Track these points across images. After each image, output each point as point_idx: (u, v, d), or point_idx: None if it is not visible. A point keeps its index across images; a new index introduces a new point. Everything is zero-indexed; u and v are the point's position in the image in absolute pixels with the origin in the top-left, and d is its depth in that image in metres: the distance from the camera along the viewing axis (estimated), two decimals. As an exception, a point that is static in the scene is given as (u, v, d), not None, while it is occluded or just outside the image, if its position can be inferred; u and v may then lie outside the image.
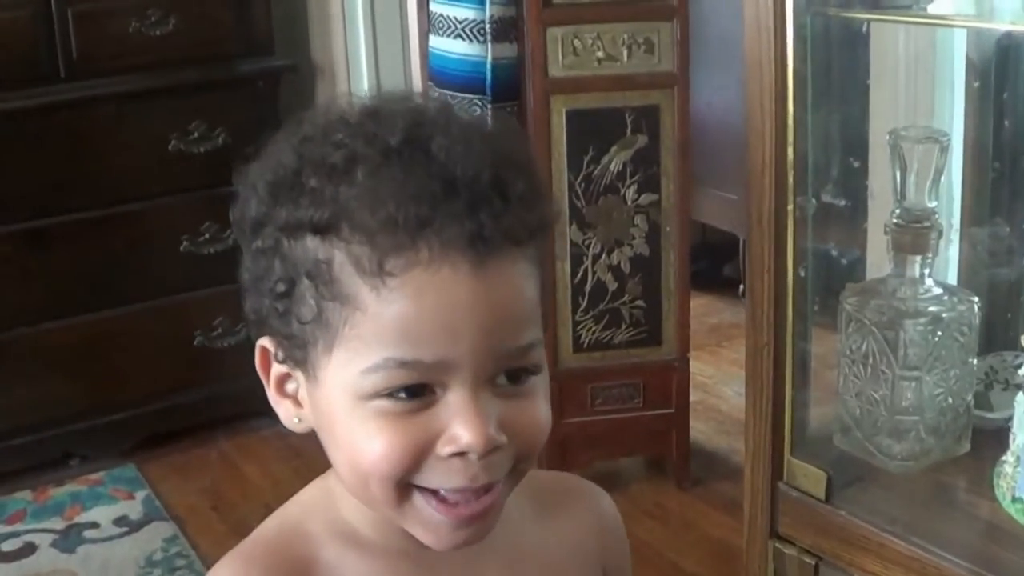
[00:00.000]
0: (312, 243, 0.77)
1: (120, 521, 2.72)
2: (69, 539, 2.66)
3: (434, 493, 0.79)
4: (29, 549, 2.63)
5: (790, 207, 1.29)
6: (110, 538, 2.66)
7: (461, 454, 0.77)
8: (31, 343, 2.86)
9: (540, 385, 0.82)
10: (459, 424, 0.76)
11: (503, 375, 0.79)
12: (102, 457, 2.98)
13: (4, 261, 2.78)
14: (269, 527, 0.89)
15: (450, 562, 0.86)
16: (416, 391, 0.77)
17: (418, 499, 0.79)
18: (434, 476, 0.78)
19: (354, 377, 0.77)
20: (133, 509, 2.77)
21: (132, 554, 2.60)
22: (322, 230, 0.77)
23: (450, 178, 0.76)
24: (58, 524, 2.72)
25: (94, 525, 2.71)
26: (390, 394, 0.77)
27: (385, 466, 0.77)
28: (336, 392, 0.79)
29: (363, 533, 0.86)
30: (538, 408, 0.81)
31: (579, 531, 0.96)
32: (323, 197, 0.76)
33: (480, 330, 0.76)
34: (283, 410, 0.85)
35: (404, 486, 0.79)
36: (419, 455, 0.77)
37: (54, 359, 2.88)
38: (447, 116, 0.81)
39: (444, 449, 0.77)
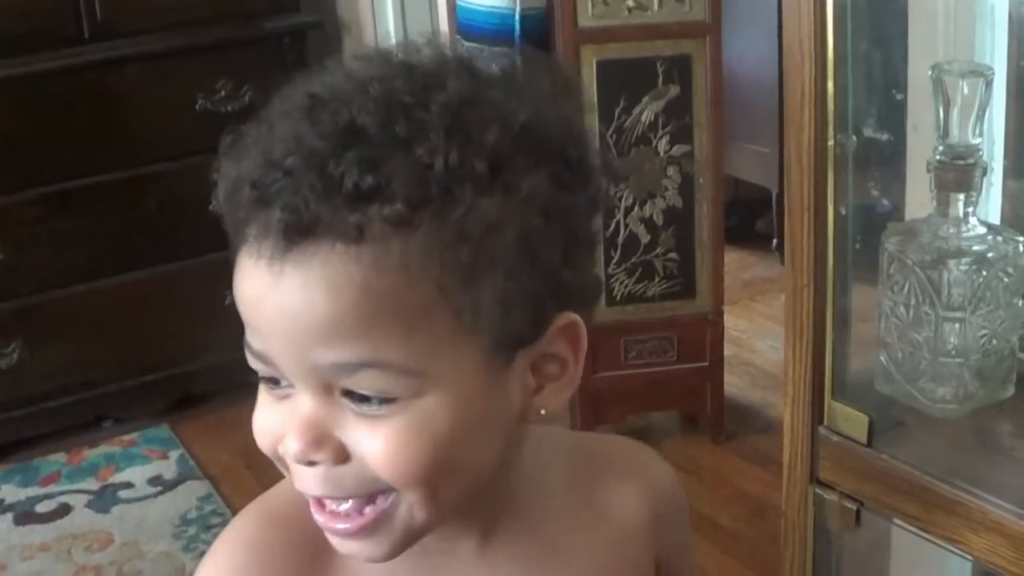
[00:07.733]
0: None
1: (154, 481, 2.73)
2: (104, 499, 2.68)
3: None
4: (64, 510, 2.65)
5: (830, 143, 1.26)
6: (144, 498, 2.68)
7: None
8: (63, 306, 2.86)
9: (403, 414, 0.70)
10: (287, 426, 0.73)
11: (341, 392, 0.71)
12: (135, 418, 2.99)
13: (34, 224, 2.78)
14: None
15: (473, 563, 0.83)
16: (273, 381, 0.74)
17: None
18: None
19: None
20: (167, 469, 2.78)
21: (167, 513, 2.61)
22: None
23: (276, 159, 0.70)
24: (93, 485, 2.73)
25: (128, 485, 2.72)
26: (263, 378, 0.75)
27: (259, 441, 0.76)
28: None
29: None
30: (384, 439, 0.70)
31: (628, 506, 0.88)
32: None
33: (280, 331, 0.70)
34: None
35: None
36: (276, 443, 0.74)
37: (86, 321, 2.89)
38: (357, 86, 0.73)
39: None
